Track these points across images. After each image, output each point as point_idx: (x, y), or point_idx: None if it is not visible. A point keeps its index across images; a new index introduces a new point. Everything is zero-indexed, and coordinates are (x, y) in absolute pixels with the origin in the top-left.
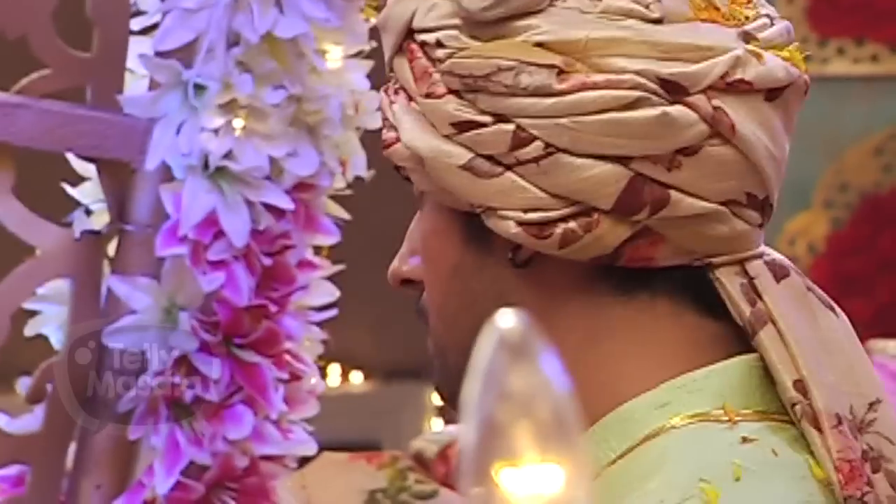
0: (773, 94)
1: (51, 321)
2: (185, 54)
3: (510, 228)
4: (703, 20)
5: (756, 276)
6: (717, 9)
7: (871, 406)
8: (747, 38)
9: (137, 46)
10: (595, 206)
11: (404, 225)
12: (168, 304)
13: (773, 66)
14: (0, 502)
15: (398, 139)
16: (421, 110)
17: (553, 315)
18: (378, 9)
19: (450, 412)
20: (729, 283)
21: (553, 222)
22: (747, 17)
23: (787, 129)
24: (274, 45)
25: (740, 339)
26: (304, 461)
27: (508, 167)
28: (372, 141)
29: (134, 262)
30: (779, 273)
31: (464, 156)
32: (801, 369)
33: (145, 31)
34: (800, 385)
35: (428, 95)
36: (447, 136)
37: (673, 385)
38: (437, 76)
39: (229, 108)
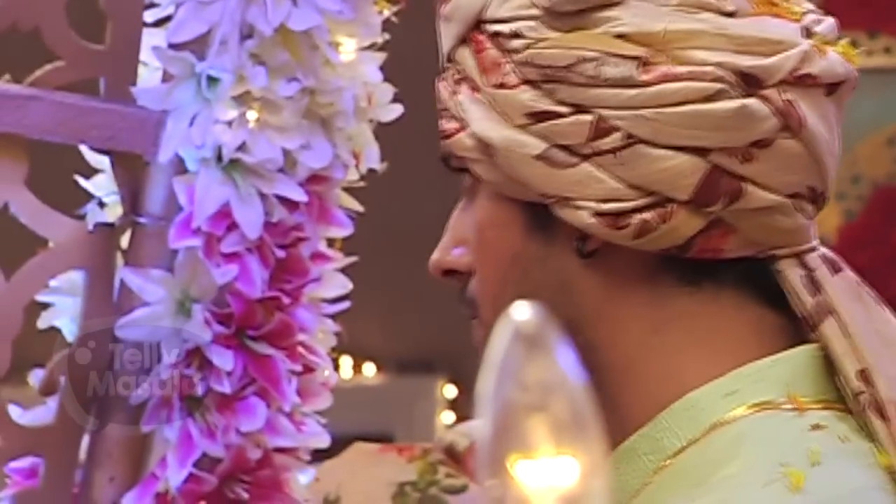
0: (831, 88)
1: (64, 313)
2: (198, 46)
3: (585, 219)
4: (768, 14)
5: (815, 269)
6: (775, 4)
7: None
8: (808, 33)
9: (151, 38)
10: (671, 196)
11: (417, 217)
12: (181, 296)
13: (834, 60)
14: (13, 495)
15: (460, 129)
16: (490, 100)
17: (617, 305)
18: (392, 1)
19: (462, 405)
20: (791, 275)
21: (629, 213)
22: (801, 13)
23: (839, 124)
24: (287, 38)
25: (797, 331)
26: (332, 452)
27: (585, 157)
28: (384, 133)
29: (147, 255)
30: (834, 266)
31: (539, 146)
32: (864, 360)
33: (159, 23)
34: (863, 375)
35: (500, 86)
36: (521, 126)
37: (740, 374)
38: (509, 67)
39: (243, 100)
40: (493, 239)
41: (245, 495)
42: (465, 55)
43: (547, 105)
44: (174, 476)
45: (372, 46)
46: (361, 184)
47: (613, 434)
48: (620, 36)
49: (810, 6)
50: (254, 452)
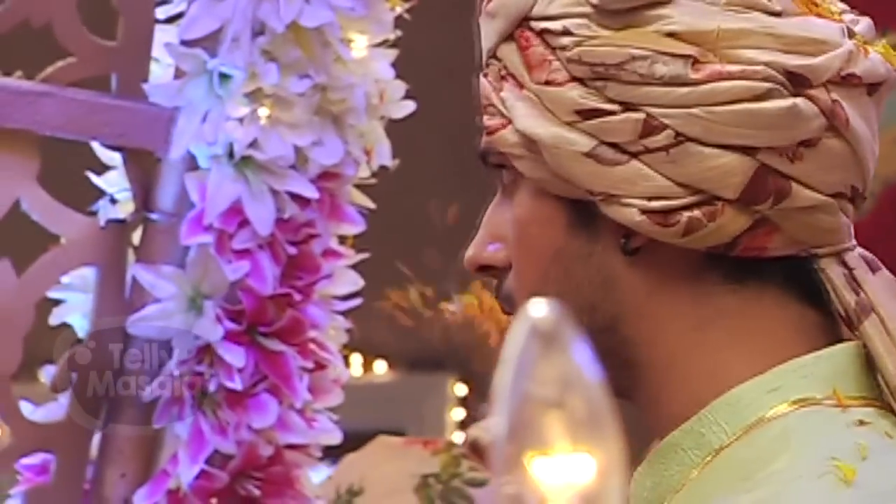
0: (873, 88)
1: (75, 310)
2: (210, 43)
3: (634, 216)
4: (811, 14)
5: (855, 268)
6: (816, 4)
7: None
8: (850, 33)
9: (163, 35)
10: (719, 195)
11: (428, 213)
12: (193, 292)
13: (876, 61)
14: (25, 491)
15: (504, 125)
16: (536, 97)
17: (661, 302)
18: None
19: (472, 402)
20: (833, 273)
21: (677, 210)
22: (838, 12)
23: (878, 123)
24: (299, 34)
25: (836, 329)
26: (344, 449)
27: (634, 155)
28: (396, 130)
29: (159, 251)
30: (872, 266)
31: (587, 143)
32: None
33: (171, 20)
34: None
35: (547, 83)
36: (569, 124)
37: (783, 370)
38: (556, 64)
39: (254, 97)
40: (535, 235)
41: (256, 492)
42: (510, 52)
43: (596, 102)
44: (186, 473)
45: (384, 43)
46: (373, 181)
47: (654, 430)
48: (671, 34)
49: (845, 6)
50: (265, 449)
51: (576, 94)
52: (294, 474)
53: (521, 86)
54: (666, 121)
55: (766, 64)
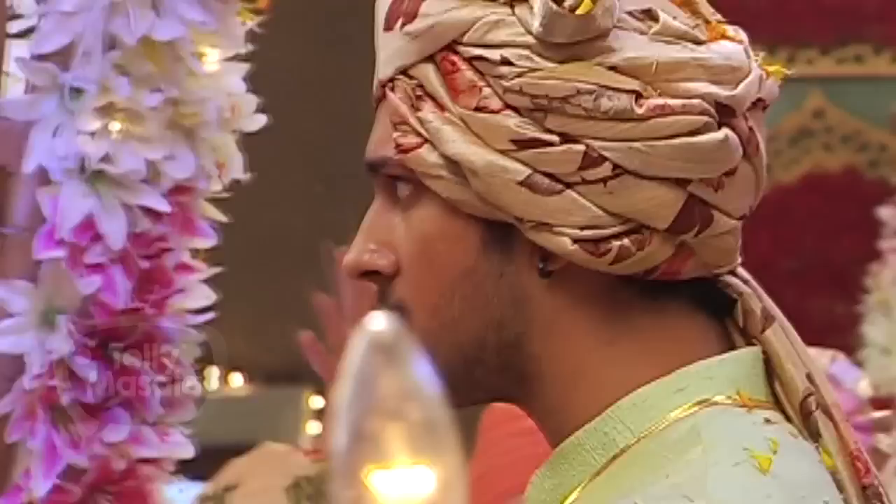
0: (766, 109)
1: None
2: (62, 58)
3: (566, 245)
4: (721, 38)
5: (749, 280)
6: (714, 25)
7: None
8: (748, 53)
9: (15, 49)
10: (650, 224)
11: (283, 227)
12: (46, 307)
13: (771, 82)
14: None
15: (420, 145)
16: (462, 122)
17: (573, 319)
18: (255, 12)
19: (326, 416)
20: (740, 286)
21: (608, 239)
22: (728, 32)
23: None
24: (151, 49)
25: (734, 340)
26: (199, 463)
27: (569, 185)
28: (248, 144)
29: (11, 266)
30: (753, 280)
31: (522, 171)
32: (807, 364)
33: (23, 34)
34: (809, 378)
35: (478, 109)
36: (503, 152)
37: (688, 371)
38: (488, 90)
39: (106, 111)
40: (442, 252)
41: None
42: (429, 73)
43: (535, 133)
44: (39, 487)
45: (235, 57)
46: (225, 194)
47: (555, 437)
48: (613, 67)
49: (720, 16)
50: (119, 463)
51: (511, 123)
52: (147, 488)
53: (442, 108)
54: (606, 154)
55: (701, 97)
